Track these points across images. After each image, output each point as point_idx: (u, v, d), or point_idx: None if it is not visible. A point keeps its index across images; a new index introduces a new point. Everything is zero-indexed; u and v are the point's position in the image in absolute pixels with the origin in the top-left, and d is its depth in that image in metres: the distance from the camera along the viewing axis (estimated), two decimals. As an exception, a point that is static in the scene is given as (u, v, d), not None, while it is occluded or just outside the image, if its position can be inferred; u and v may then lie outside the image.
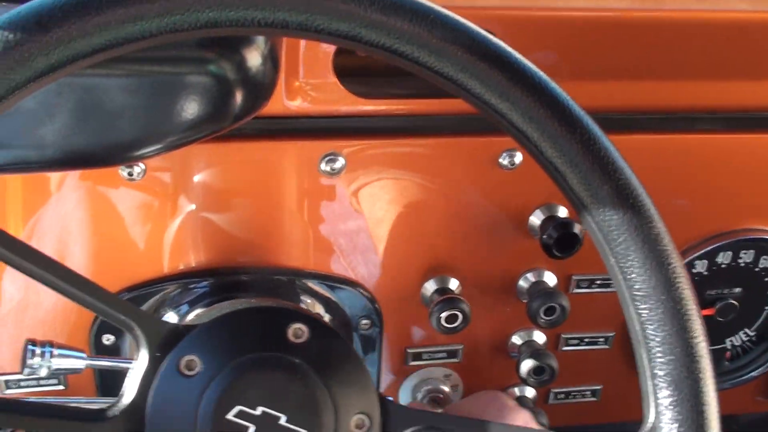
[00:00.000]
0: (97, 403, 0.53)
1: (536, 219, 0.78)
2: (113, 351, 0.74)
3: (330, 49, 0.66)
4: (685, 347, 0.47)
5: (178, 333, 0.51)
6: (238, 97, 0.56)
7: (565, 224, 0.76)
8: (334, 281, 0.77)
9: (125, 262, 0.72)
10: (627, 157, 0.47)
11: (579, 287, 0.84)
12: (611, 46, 0.72)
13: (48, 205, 0.69)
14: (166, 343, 0.51)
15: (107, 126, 0.55)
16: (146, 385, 0.51)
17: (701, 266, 0.86)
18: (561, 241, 0.76)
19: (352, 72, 0.69)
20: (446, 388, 0.87)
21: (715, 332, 0.91)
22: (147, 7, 0.40)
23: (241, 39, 0.56)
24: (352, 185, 0.73)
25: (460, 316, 0.77)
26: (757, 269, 0.88)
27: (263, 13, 0.42)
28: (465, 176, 0.75)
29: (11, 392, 0.76)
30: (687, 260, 0.84)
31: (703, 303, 0.88)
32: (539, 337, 0.86)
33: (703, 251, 0.85)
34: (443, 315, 0.77)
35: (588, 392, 0.92)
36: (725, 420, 0.48)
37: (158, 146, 0.57)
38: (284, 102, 0.67)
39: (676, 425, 0.47)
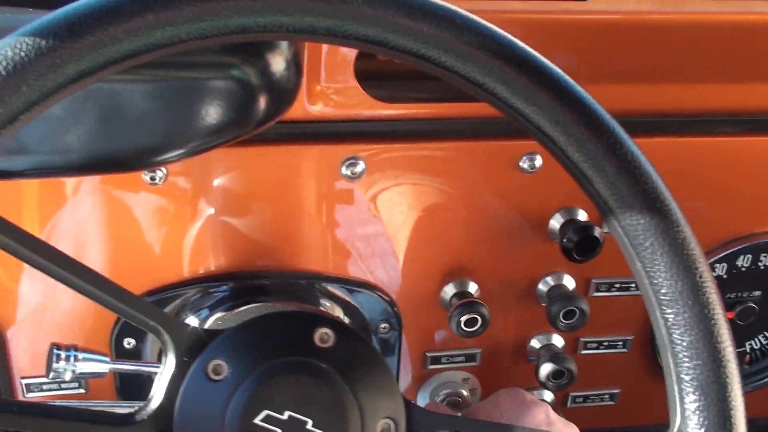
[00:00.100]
0: (123, 407, 0.53)
1: (556, 222, 0.78)
2: (134, 354, 0.74)
3: (352, 53, 0.67)
4: (712, 352, 0.47)
5: (206, 338, 0.52)
6: (262, 102, 0.56)
7: (585, 228, 0.76)
8: (353, 285, 0.78)
9: (146, 266, 0.72)
10: (648, 160, 0.47)
11: (598, 290, 0.83)
12: (632, 49, 0.72)
13: (66, 208, 0.70)
14: (194, 347, 0.51)
15: (132, 131, 0.55)
16: (174, 389, 0.51)
17: (721, 269, 0.86)
18: (581, 245, 0.76)
19: (373, 76, 0.69)
20: (465, 392, 0.87)
21: (735, 336, 0.89)
22: (176, 13, 0.40)
23: (265, 44, 0.56)
24: (372, 189, 0.73)
25: (480, 319, 0.77)
26: (777, 272, 0.87)
27: (292, 19, 0.42)
28: (485, 180, 0.75)
29: (32, 396, 0.76)
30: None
31: (723, 306, 0.87)
32: (558, 340, 0.86)
33: (723, 254, 0.84)
34: (463, 319, 0.77)
35: (606, 396, 0.92)
36: (743, 424, 0.48)
37: (181, 151, 0.57)
38: (305, 106, 0.68)
39: (702, 430, 0.47)
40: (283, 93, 0.58)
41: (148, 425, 0.50)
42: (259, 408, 0.52)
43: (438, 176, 0.74)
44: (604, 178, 0.46)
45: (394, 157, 0.72)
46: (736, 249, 0.84)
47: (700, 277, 0.47)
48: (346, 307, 0.78)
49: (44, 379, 0.75)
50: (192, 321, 0.72)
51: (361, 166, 0.71)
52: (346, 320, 0.77)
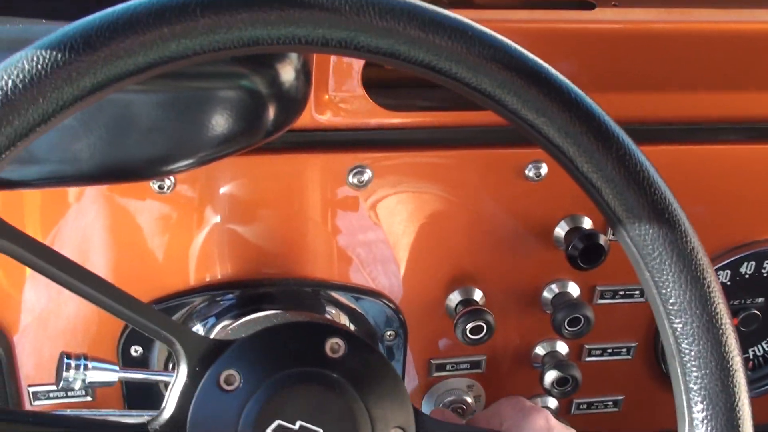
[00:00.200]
0: (134, 416, 0.53)
1: (561, 230, 0.78)
2: (141, 362, 0.74)
3: (359, 62, 0.67)
4: (720, 361, 0.47)
5: (218, 348, 0.52)
6: (272, 111, 0.57)
7: (590, 236, 0.76)
8: (359, 292, 0.78)
9: (153, 273, 0.72)
10: (651, 169, 0.47)
11: (603, 298, 0.84)
12: (636, 58, 0.73)
13: (72, 215, 0.70)
14: (206, 357, 0.51)
15: (142, 141, 0.55)
16: (186, 399, 0.51)
17: (724, 276, 0.86)
18: (586, 253, 0.76)
19: (380, 84, 0.70)
20: (469, 399, 0.87)
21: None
22: (191, 26, 0.40)
23: (275, 54, 0.56)
24: (379, 197, 0.73)
25: (485, 327, 0.78)
26: (780, 279, 0.88)
27: (305, 30, 0.42)
28: (491, 188, 0.75)
29: (39, 404, 0.76)
30: (710, 270, 0.84)
31: (726, 313, 0.87)
32: (562, 347, 0.86)
33: (726, 262, 0.85)
34: (468, 326, 0.77)
35: (610, 402, 0.92)
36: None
37: (191, 161, 0.57)
38: (313, 115, 0.68)
39: None
40: (292, 103, 0.58)
41: None
42: (271, 418, 0.52)
43: (444, 184, 0.74)
44: (613, 188, 0.47)
45: (400, 165, 0.72)
46: (739, 256, 0.85)
47: (708, 287, 0.47)
48: (352, 314, 0.78)
49: (51, 387, 0.76)
50: (198, 329, 0.72)
51: (367, 175, 0.71)
52: (352, 328, 0.77)
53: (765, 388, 0.95)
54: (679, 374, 0.48)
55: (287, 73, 0.57)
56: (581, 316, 0.79)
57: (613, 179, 0.46)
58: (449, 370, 0.85)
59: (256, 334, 0.54)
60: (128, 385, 0.77)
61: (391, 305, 0.79)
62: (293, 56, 0.57)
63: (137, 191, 0.68)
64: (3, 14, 0.53)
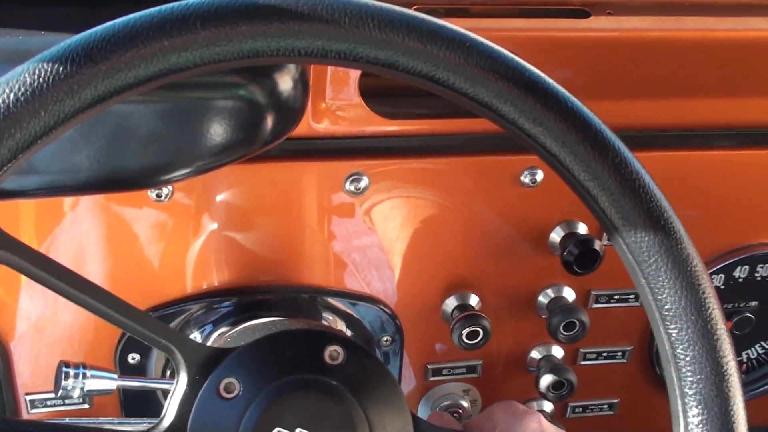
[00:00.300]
0: (133, 424, 0.53)
1: (556, 236, 0.79)
2: (139, 369, 0.74)
3: (356, 71, 0.67)
4: (715, 366, 0.48)
5: (217, 356, 0.52)
6: (269, 121, 0.57)
7: (585, 241, 0.77)
8: (355, 298, 0.78)
9: (150, 281, 0.73)
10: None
11: (598, 302, 0.84)
12: (631, 66, 0.73)
13: (68, 223, 0.70)
14: (206, 365, 0.52)
15: (140, 150, 0.55)
16: (186, 407, 0.51)
17: (718, 280, 0.87)
18: (581, 258, 0.77)
19: (377, 92, 0.70)
20: (465, 403, 0.88)
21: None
22: (192, 39, 0.41)
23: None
24: (376, 204, 0.74)
25: (481, 332, 0.78)
26: (773, 283, 0.89)
27: (304, 42, 0.42)
28: (487, 194, 0.76)
29: (36, 412, 0.76)
30: (704, 274, 0.85)
31: (720, 317, 0.88)
32: (558, 351, 0.86)
33: (720, 266, 0.85)
34: (464, 331, 0.78)
35: (605, 406, 0.93)
36: (741, 432, 0.49)
37: (189, 170, 0.57)
38: (310, 123, 0.68)
39: None
40: (290, 112, 0.59)
41: None
42: (270, 425, 0.52)
43: (440, 191, 0.75)
44: (609, 196, 0.47)
45: (397, 172, 0.73)
46: (733, 260, 0.85)
47: (703, 293, 0.48)
48: (348, 320, 0.78)
49: (48, 395, 0.76)
50: (196, 336, 0.73)
51: (364, 182, 0.72)
52: (349, 333, 0.78)
53: (759, 390, 0.95)
54: (675, 379, 0.48)
55: (285, 82, 0.57)
56: (576, 320, 0.80)
57: (610, 187, 0.47)
58: (445, 375, 0.85)
59: (256, 342, 0.54)
60: (125, 393, 0.77)
61: (387, 311, 0.79)
62: (291, 66, 0.58)
63: (134, 199, 0.69)
64: (3, 26, 0.53)
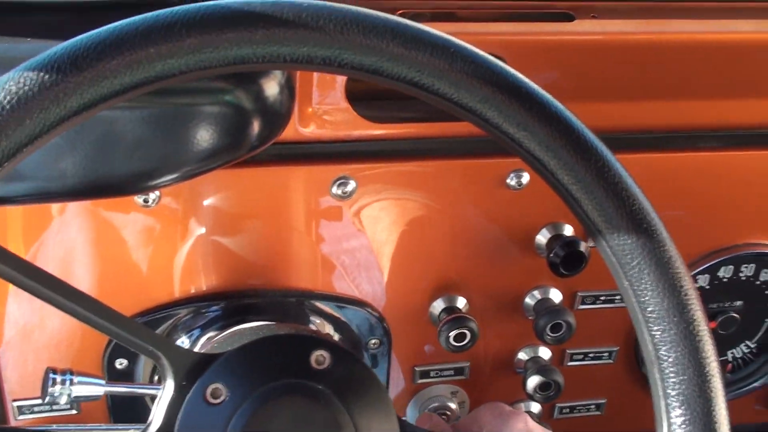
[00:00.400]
0: (119, 430, 0.53)
1: (543, 238, 0.79)
2: (127, 375, 0.74)
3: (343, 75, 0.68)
4: (697, 367, 0.48)
5: (204, 362, 0.52)
6: (256, 126, 0.57)
7: (571, 243, 0.77)
8: (343, 302, 0.78)
9: (138, 286, 0.73)
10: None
11: (584, 303, 0.85)
12: (615, 68, 0.74)
13: (55, 229, 0.70)
14: (192, 371, 0.52)
15: (127, 157, 0.55)
16: (173, 413, 0.51)
17: (703, 280, 0.88)
18: (567, 260, 0.77)
19: (363, 96, 0.70)
20: (453, 405, 0.88)
21: (717, 345, 0.91)
22: (177, 46, 0.41)
23: (258, 69, 0.57)
24: (363, 208, 0.74)
25: (469, 334, 0.78)
26: (757, 282, 0.89)
27: (290, 49, 0.42)
28: (473, 197, 0.76)
29: (24, 418, 0.76)
30: (689, 275, 0.86)
31: (705, 316, 0.89)
32: (545, 352, 0.87)
33: (705, 266, 0.86)
34: (452, 334, 0.78)
35: (592, 406, 0.93)
36: (726, 430, 0.49)
37: (176, 175, 0.57)
38: (297, 127, 0.68)
39: None
40: (276, 117, 0.59)
41: None
42: (257, 430, 0.52)
43: (427, 194, 0.75)
44: (593, 200, 0.47)
45: (383, 176, 0.73)
46: (718, 260, 0.86)
47: (686, 294, 0.48)
48: (336, 323, 0.78)
49: (36, 401, 0.75)
50: (184, 341, 0.72)
51: (351, 186, 0.72)
52: (337, 337, 0.78)
53: (745, 389, 0.96)
54: (658, 380, 0.49)
55: (271, 87, 0.57)
56: (563, 321, 0.80)
57: (593, 191, 0.47)
58: (433, 377, 0.86)
59: (242, 348, 0.54)
60: (113, 398, 0.77)
61: (375, 314, 0.79)
62: (277, 71, 0.58)
63: (122, 205, 0.69)
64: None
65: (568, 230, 0.79)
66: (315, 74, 0.67)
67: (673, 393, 0.48)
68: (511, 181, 0.76)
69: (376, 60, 0.44)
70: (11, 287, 0.72)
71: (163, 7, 0.42)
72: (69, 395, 0.58)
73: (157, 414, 0.52)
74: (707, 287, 0.88)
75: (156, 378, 0.74)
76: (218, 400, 0.52)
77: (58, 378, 0.58)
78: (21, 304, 0.73)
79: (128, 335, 0.49)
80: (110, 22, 0.41)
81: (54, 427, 0.66)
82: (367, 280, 0.78)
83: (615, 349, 0.89)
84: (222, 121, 0.56)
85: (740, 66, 0.77)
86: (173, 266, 0.72)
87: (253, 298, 0.75)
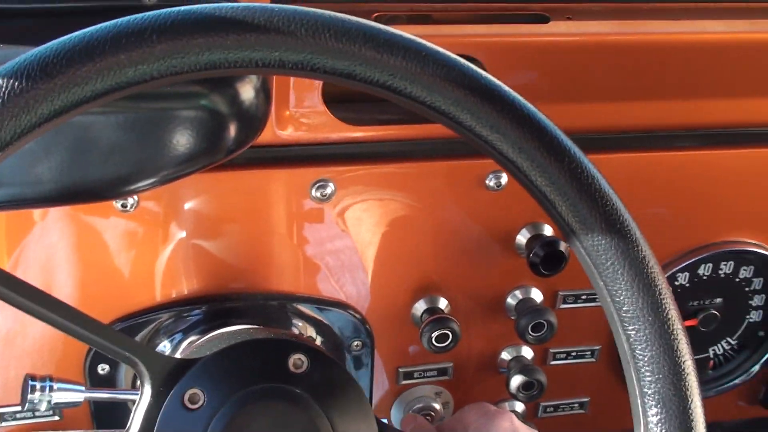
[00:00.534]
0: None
1: (523, 238, 0.80)
2: (108, 380, 0.74)
3: (319, 79, 0.68)
4: (673, 366, 0.49)
5: (181, 367, 0.52)
6: (232, 130, 0.57)
7: (551, 243, 0.78)
8: (325, 304, 0.78)
9: (119, 291, 0.72)
10: (609, 176, 0.49)
11: (565, 302, 0.85)
12: (591, 69, 0.74)
13: (35, 235, 0.69)
14: (170, 377, 0.52)
15: (103, 162, 0.55)
16: (151, 419, 0.51)
17: (683, 278, 0.88)
18: (547, 260, 0.78)
19: (340, 99, 0.71)
20: (437, 406, 0.88)
21: (698, 342, 0.93)
22: (148, 52, 0.41)
23: (234, 74, 0.57)
24: (342, 210, 0.74)
25: (451, 335, 0.79)
26: (737, 280, 0.90)
27: (262, 54, 0.43)
28: (452, 198, 0.76)
29: (6, 425, 0.76)
30: (669, 273, 0.86)
31: (686, 314, 0.90)
32: (527, 352, 0.87)
33: (684, 264, 0.87)
34: (434, 335, 0.78)
35: (576, 404, 0.94)
36: (709, 426, 0.49)
37: (153, 180, 0.57)
38: (275, 131, 0.68)
39: None
40: (252, 120, 0.59)
41: None
42: None
43: (406, 196, 0.75)
44: (567, 201, 0.48)
45: (363, 178, 0.73)
46: (697, 258, 0.87)
47: (660, 294, 0.48)
48: (318, 326, 0.79)
49: (18, 408, 0.75)
50: (165, 345, 0.72)
51: (330, 188, 0.72)
52: (319, 339, 0.78)
53: (727, 386, 0.97)
54: (634, 379, 0.49)
55: (247, 91, 0.57)
56: (544, 321, 0.81)
57: (566, 192, 0.48)
58: (417, 378, 0.86)
59: (219, 353, 0.54)
60: (96, 404, 0.77)
61: (357, 316, 0.80)
62: (253, 75, 0.58)
63: (100, 209, 0.68)
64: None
65: (548, 230, 0.80)
66: (292, 78, 0.67)
67: (649, 392, 0.49)
68: (490, 182, 0.76)
69: (349, 64, 0.44)
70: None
71: (138, 12, 0.42)
72: (49, 402, 0.58)
73: (135, 420, 0.52)
74: (687, 285, 0.88)
75: (138, 383, 0.74)
76: (196, 406, 0.52)
77: (38, 385, 0.57)
78: (2, 311, 0.72)
79: (104, 342, 0.49)
80: (82, 28, 0.41)
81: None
82: (348, 282, 0.79)
83: (597, 347, 0.89)
84: (198, 125, 0.56)
85: (715, 66, 0.77)
86: (154, 270, 0.72)
87: (234, 302, 0.75)
